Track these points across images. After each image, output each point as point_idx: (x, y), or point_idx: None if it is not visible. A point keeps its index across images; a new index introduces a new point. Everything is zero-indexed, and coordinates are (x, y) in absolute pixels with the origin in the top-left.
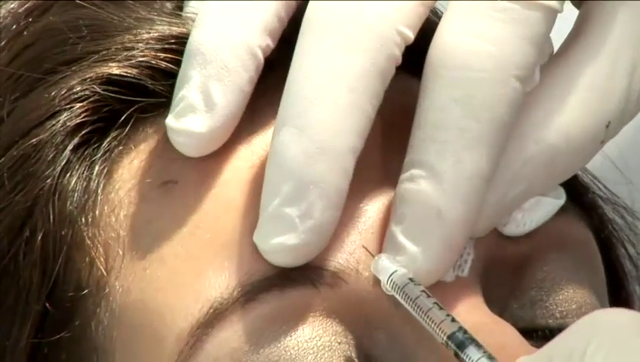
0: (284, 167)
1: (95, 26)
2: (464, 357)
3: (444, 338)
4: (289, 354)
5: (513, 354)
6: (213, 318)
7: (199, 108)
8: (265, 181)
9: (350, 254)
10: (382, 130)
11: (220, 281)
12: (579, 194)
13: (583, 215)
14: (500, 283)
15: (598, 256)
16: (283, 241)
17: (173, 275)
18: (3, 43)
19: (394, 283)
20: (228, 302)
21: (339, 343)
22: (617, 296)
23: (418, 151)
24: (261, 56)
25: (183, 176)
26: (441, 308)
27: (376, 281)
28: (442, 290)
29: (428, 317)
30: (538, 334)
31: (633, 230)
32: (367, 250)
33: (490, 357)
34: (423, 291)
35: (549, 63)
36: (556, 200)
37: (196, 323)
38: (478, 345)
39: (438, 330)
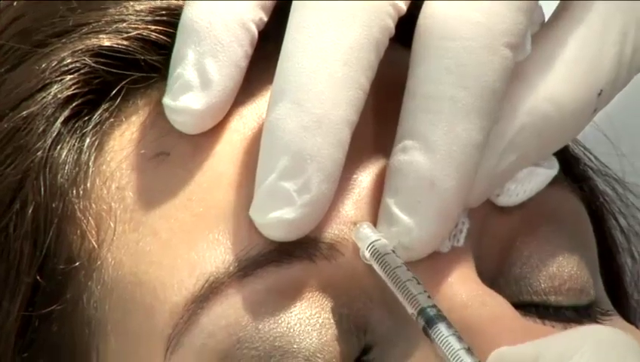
0: (281, 140)
1: None
2: (432, 334)
3: (415, 312)
4: (292, 331)
5: (506, 326)
6: (209, 292)
7: (195, 85)
8: (260, 155)
9: (346, 225)
10: (373, 101)
11: (215, 255)
12: (570, 166)
13: (574, 187)
14: (489, 256)
15: (589, 227)
16: (280, 216)
17: (165, 248)
18: None
19: (375, 249)
20: (224, 276)
21: (336, 321)
22: (608, 268)
23: (410, 122)
24: (255, 31)
25: (174, 149)
26: (419, 283)
27: None
28: (436, 260)
29: (404, 288)
30: (525, 309)
31: (624, 201)
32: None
33: (459, 338)
34: (403, 264)
35: (540, 32)
36: (549, 171)
37: (191, 297)
38: (449, 324)
39: (412, 302)
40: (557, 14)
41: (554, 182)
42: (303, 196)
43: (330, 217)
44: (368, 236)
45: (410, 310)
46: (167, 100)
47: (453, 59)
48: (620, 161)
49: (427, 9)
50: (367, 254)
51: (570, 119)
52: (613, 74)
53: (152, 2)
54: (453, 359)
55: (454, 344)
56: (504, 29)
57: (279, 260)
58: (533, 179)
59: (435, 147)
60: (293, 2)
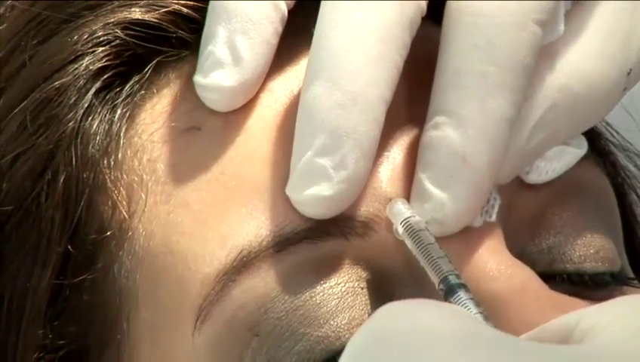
0: (318, 119)
1: None
2: (452, 301)
3: (438, 281)
4: (314, 299)
5: (534, 296)
6: (241, 265)
7: (227, 62)
8: (296, 133)
9: (380, 203)
10: (406, 78)
11: (248, 229)
12: (592, 141)
13: (599, 162)
14: (519, 229)
15: (615, 202)
16: (317, 192)
17: (197, 220)
18: None
19: (410, 225)
20: (258, 251)
21: (362, 288)
22: (629, 243)
23: (441, 98)
24: (284, 8)
25: (206, 123)
26: (450, 262)
27: None
28: (469, 235)
29: (435, 265)
30: (556, 279)
31: None
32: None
33: (477, 303)
34: (437, 242)
35: (571, 11)
36: (578, 150)
37: (223, 268)
38: (478, 304)
39: (441, 278)
40: None
41: (582, 158)
42: (340, 172)
43: (364, 194)
44: (402, 212)
45: (438, 286)
46: (198, 78)
47: (482, 36)
48: None
49: None
50: (400, 230)
51: (600, 98)
52: None
53: None
54: None
55: (472, 308)
56: (533, 5)
57: (313, 237)
58: (563, 158)
59: (466, 122)
60: None
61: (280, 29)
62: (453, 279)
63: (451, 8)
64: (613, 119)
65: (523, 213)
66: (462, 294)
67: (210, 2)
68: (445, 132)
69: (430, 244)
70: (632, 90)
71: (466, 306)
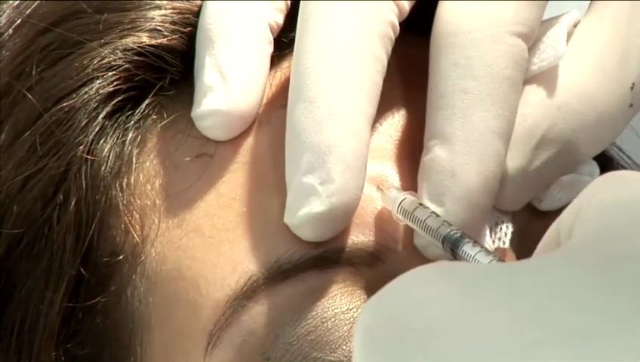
0: (300, 140)
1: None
2: (459, 254)
3: (440, 241)
4: (325, 325)
5: None
6: (251, 291)
7: (216, 86)
8: (286, 160)
9: (388, 233)
10: (411, 103)
11: (257, 255)
12: (603, 166)
13: None
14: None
15: None
16: (309, 211)
17: (209, 245)
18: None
19: (404, 209)
20: (266, 277)
21: None
22: None
23: (431, 123)
24: (267, 28)
25: (218, 150)
26: (450, 225)
27: (413, 258)
28: None
29: (437, 233)
30: None
31: None
32: (380, 188)
33: (487, 251)
34: (433, 213)
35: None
36: (590, 178)
37: (233, 294)
38: (489, 252)
39: (441, 243)
40: (585, 13)
41: None
42: (327, 187)
43: (370, 224)
44: (396, 197)
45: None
46: (193, 113)
47: (459, 53)
48: None
49: (437, 13)
50: (400, 216)
51: (604, 115)
52: None
53: (175, 3)
54: None
55: (482, 259)
56: (508, 17)
57: (321, 266)
58: (575, 186)
59: (452, 139)
60: (300, 5)
61: (266, 47)
62: (455, 234)
63: (433, 33)
64: (625, 144)
65: (536, 240)
66: (467, 248)
67: (197, 34)
68: (435, 153)
69: (428, 218)
70: None
71: (476, 260)
